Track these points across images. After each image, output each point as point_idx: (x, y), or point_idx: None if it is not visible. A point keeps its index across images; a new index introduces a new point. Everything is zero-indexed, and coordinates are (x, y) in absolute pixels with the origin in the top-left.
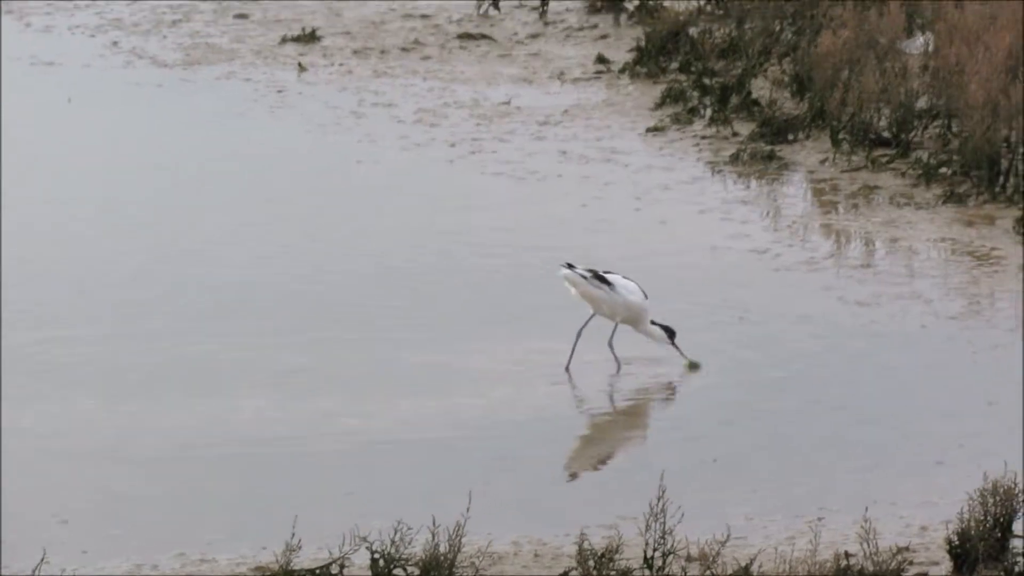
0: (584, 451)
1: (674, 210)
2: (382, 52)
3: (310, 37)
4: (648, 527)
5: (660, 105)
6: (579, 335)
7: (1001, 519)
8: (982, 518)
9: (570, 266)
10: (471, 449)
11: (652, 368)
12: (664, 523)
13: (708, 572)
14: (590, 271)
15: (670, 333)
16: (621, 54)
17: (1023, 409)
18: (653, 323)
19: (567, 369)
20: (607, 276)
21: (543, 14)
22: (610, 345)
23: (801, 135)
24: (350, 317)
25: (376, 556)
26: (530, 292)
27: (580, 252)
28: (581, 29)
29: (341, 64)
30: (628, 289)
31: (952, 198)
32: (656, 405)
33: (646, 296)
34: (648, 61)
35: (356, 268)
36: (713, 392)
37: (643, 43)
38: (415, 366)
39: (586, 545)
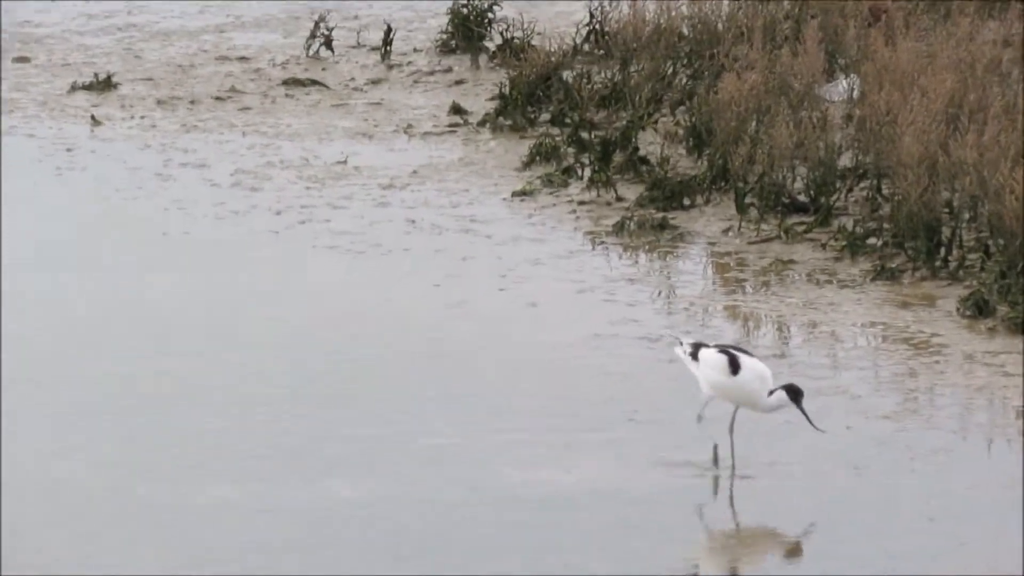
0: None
1: (547, 290)
2: (192, 102)
3: (105, 84)
4: None
5: (528, 164)
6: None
7: None
8: None
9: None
10: None
11: None
12: None
13: None
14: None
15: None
16: (481, 103)
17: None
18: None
19: None
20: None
21: (386, 55)
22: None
23: (699, 199)
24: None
25: None
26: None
27: (431, 342)
28: (432, 73)
29: (143, 116)
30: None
31: (883, 274)
32: None
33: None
34: (513, 111)
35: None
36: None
37: (507, 90)
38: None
39: None
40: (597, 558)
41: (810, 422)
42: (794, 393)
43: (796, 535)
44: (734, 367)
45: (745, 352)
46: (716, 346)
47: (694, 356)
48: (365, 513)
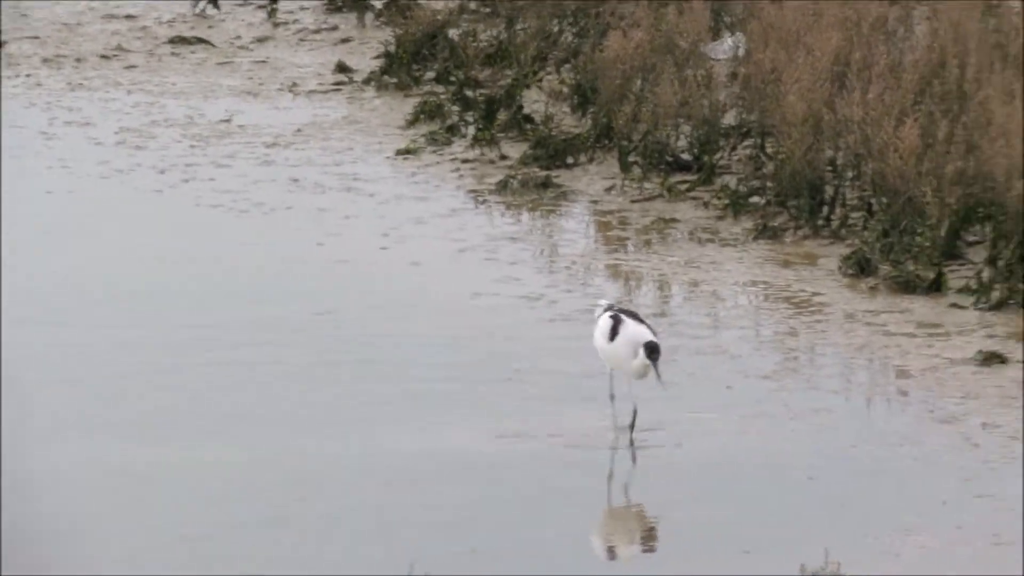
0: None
1: (429, 249)
2: (78, 60)
3: None
4: None
5: (413, 123)
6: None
7: None
8: None
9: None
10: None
11: None
12: None
13: None
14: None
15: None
16: (366, 61)
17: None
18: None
19: None
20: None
21: (272, 13)
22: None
23: (583, 158)
24: None
25: None
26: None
27: (314, 300)
28: (318, 32)
29: (28, 75)
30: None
31: (765, 233)
32: None
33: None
34: (398, 70)
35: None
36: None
37: (392, 48)
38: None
39: None
40: (463, 528)
41: (659, 379)
42: (649, 350)
43: (672, 500)
44: (613, 333)
45: (637, 319)
46: (613, 310)
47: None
48: (238, 473)
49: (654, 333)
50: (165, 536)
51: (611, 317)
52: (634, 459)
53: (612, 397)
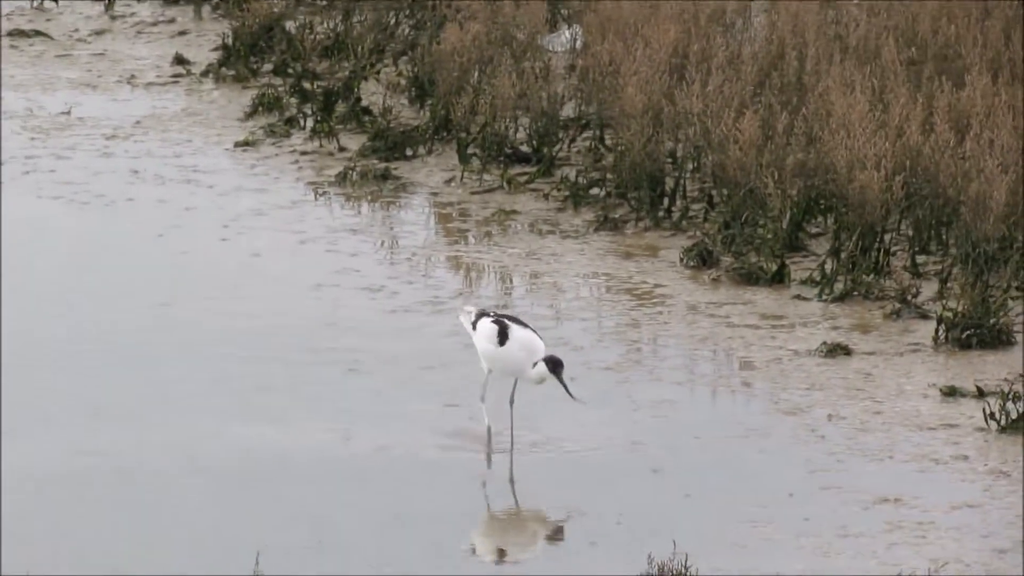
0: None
1: (269, 240)
2: None
3: None
4: None
5: (251, 115)
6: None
7: None
8: None
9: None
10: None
11: None
12: None
13: None
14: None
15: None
16: (204, 54)
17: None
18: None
19: None
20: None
21: (109, 6)
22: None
23: (422, 150)
24: None
25: None
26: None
27: (155, 291)
28: (155, 24)
29: None
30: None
31: (606, 224)
32: None
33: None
34: (236, 62)
35: None
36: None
37: (230, 40)
38: None
39: None
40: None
41: (569, 393)
42: (553, 364)
43: (518, 491)
44: (502, 337)
45: (520, 323)
46: (494, 315)
47: (474, 325)
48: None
49: (539, 337)
50: None
51: (494, 322)
52: (489, 459)
53: (483, 399)
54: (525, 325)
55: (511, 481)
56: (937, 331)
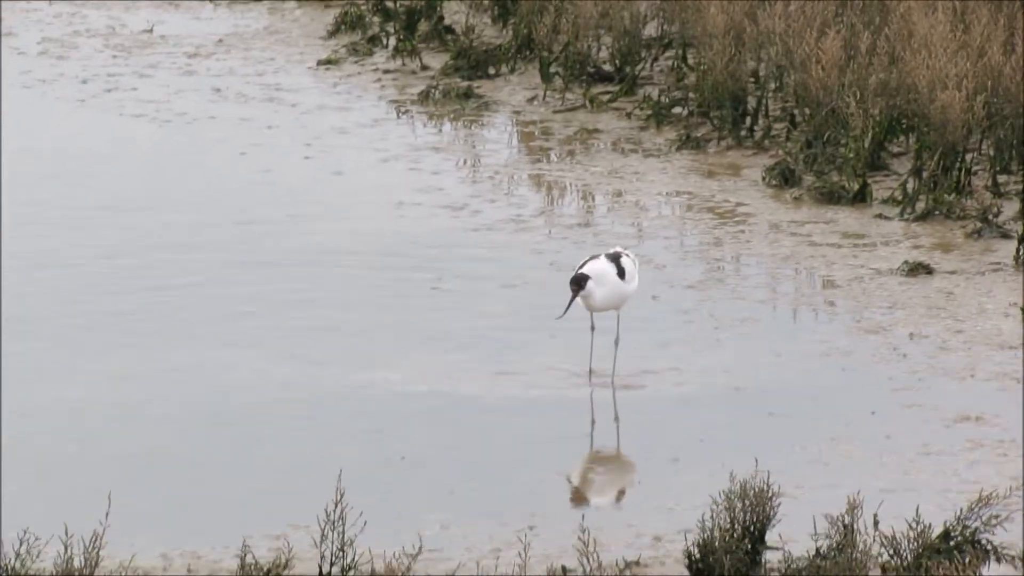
0: (247, 448)
1: (352, 159)
2: None
3: None
4: (324, 537)
5: (334, 33)
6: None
7: (751, 527)
8: (728, 526)
9: None
10: (105, 444)
11: None
12: (343, 532)
13: None
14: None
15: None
16: None
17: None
18: None
19: None
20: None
21: None
22: None
23: (504, 69)
24: None
25: None
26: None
27: (238, 211)
28: None
29: None
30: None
31: (688, 143)
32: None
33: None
34: None
35: None
36: None
37: None
38: None
39: (249, 559)
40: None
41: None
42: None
43: (592, 411)
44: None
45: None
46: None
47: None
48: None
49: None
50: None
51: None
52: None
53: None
54: (596, 258)
55: (591, 401)
56: (1018, 250)
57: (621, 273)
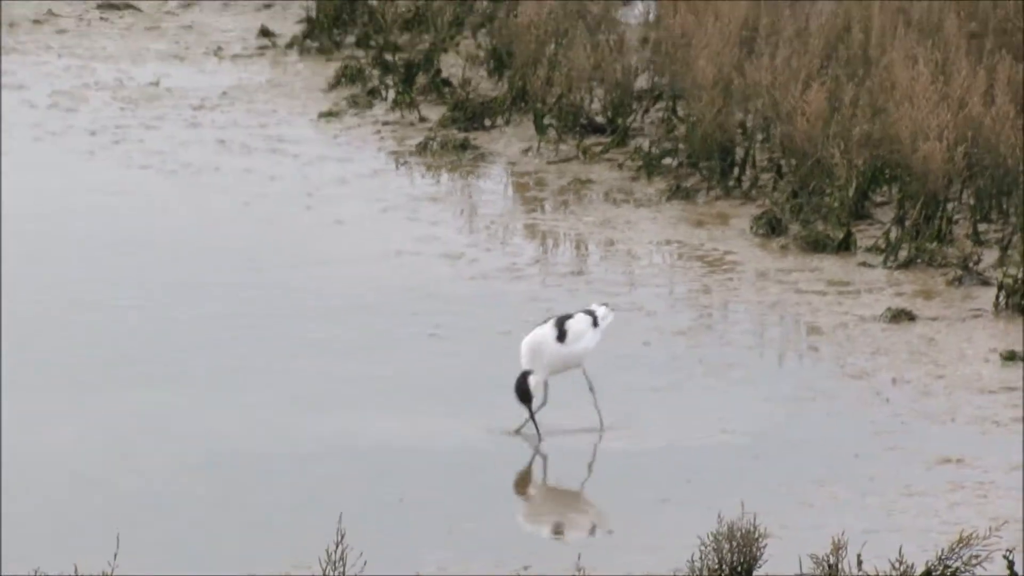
0: (249, 492)
1: (352, 208)
2: (10, 25)
3: None
4: None
5: (334, 86)
6: None
7: (739, 567)
8: (716, 566)
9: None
10: (106, 486)
11: None
12: (344, 572)
13: None
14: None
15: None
16: (289, 26)
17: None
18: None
19: None
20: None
21: None
22: None
23: (500, 120)
24: None
25: None
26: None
27: (241, 259)
28: None
29: None
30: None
31: (678, 193)
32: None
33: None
34: (320, 34)
35: None
36: None
37: (314, 13)
38: None
39: None
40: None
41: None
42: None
43: (579, 451)
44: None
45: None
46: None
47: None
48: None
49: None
50: None
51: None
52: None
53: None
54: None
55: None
56: (998, 297)
57: (562, 336)
